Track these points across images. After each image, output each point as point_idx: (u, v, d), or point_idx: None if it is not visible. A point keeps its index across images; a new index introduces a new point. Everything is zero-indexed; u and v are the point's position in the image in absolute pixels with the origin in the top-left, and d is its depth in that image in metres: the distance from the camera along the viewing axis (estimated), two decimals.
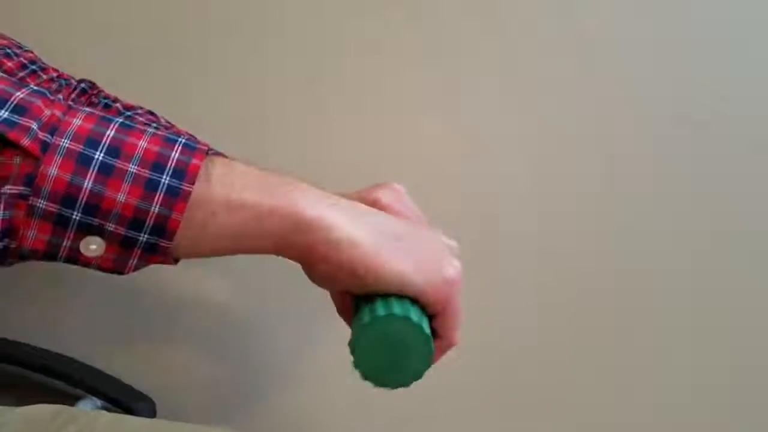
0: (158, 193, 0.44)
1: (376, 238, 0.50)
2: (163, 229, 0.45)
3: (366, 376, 0.51)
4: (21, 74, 0.76)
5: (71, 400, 0.78)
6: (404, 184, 0.93)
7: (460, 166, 0.96)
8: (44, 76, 0.78)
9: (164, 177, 0.44)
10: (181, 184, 0.45)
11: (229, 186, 0.47)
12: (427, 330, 0.51)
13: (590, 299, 0.96)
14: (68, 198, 0.43)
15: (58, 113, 0.44)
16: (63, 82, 0.79)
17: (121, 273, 0.47)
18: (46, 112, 0.44)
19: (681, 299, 0.96)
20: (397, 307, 0.49)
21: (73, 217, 0.44)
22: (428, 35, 0.95)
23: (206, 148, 0.47)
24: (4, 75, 0.45)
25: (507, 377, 0.97)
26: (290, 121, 0.94)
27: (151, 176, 0.44)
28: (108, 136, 0.44)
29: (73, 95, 0.78)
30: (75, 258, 0.45)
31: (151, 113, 0.82)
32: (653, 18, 0.94)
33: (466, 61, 0.95)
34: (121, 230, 0.44)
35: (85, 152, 0.43)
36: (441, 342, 0.54)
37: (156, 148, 0.45)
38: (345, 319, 0.58)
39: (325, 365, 0.97)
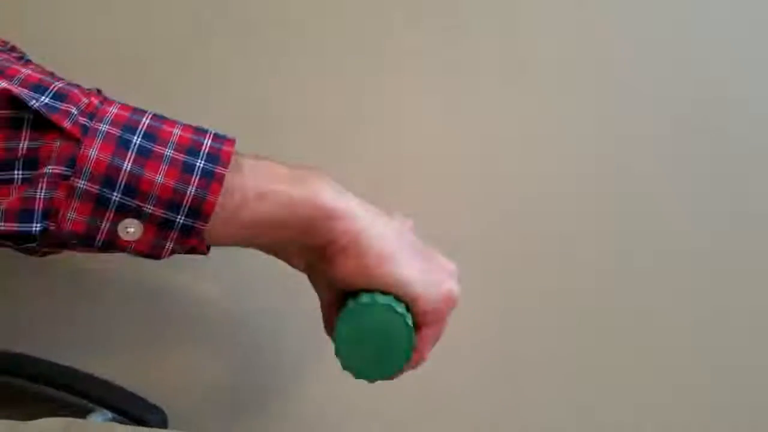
0: (194, 176, 0.46)
1: (395, 239, 0.53)
2: (199, 210, 0.46)
3: (346, 364, 0.54)
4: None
5: (81, 413, 0.78)
6: (404, 184, 0.93)
7: (460, 166, 0.95)
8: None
9: (199, 161, 0.46)
10: (215, 168, 0.46)
11: (260, 175, 0.49)
12: (411, 323, 0.53)
13: (590, 299, 0.96)
14: (108, 179, 0.44)
15: (95, 101, 0.46)
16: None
17: (157, 257, 0.48)
18: (84, 99, 0.45)
19: (681, 298, 0.96)
20: (384, 299, 0.52)
21: (113, 197, 0.44)
22: (428, 35, 0.94)
23: (234, 139, 0.50)
24: (38, 66, 0.48)
25: (508, 380, 0.97)
26: (290, 122, 0.94)
27: (186, 159, 0.46)
28: (144, 123, 0.46)
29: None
30: (113, 242, 0.46)
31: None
32: (654, 18, 0.94)
33: (466, 61, 0.94)
34: (159, 212, 0.45)
35: (124, 136, 0.45)
36: (414, 354, 0.56)
37: (189, 135, 0.47)
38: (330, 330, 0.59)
39: (336, 372, 0.97)
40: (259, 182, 0.49)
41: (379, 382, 0.57)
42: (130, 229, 0.46)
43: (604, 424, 0.97)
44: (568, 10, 0.93)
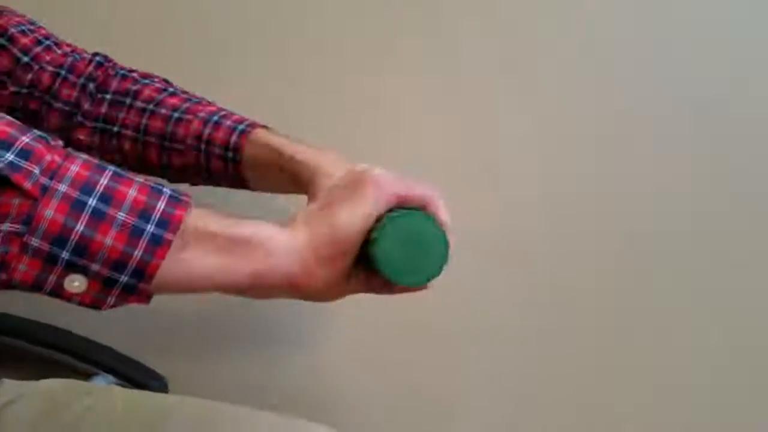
0: (142, 240, 0.47)
1: (333, 214, 0.55)
2: (143, 272, 0.48)
3: (392, 271, 0.55)
4: (36, 49, 0.78)
5: (84, 377, 0.81)
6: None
7: (460, 165, 0.97)
8: (59, 51, 0.79)
9: (149, 225, 0.48)
10: (164, 234, 0.48)
11: (199, 220, 0.50)
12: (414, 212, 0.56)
13: (588, 297, 0.97)
14: (60, 239, 0.46)
15: (58, 159, 0.47)
16: (77, 56, 0.80)
17: (98, 309, 0.50)
18: (47, 157, 0.47)
19: (683, 298, 0.97)
20: (385, 218, 0.55)
21: (62, 256, 0.46)
22: (428, 35, 0.96)
23: (189, 199, 0.51)
24: (9, 118, 0.48)
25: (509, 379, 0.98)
26: (290, 121, 0.92)
27: (136, 223, 0.47)
28: (101, 184, 0.47)
29: (89, 68, 0.79)
30: (58, 292, 0.48)
31: (167, 81, 0.83)
32: (654, 16, 0.95)
33: (466, 61, 0.96)
34: (105, 271, 0.47)
35: (80, 198, 0.46)
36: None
37: (143, 198, 0.48)
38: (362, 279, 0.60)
39: (331, 340, 0.98)
40: (197, 226, 0.50)
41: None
42: (76, 283, 0.47)
43: (604, 423, 0.97)
44: (569, 9, 0.95)
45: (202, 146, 0.75)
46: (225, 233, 0.51)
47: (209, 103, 0.80)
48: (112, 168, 0.49)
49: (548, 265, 0.97)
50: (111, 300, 0.49)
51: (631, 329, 0.96)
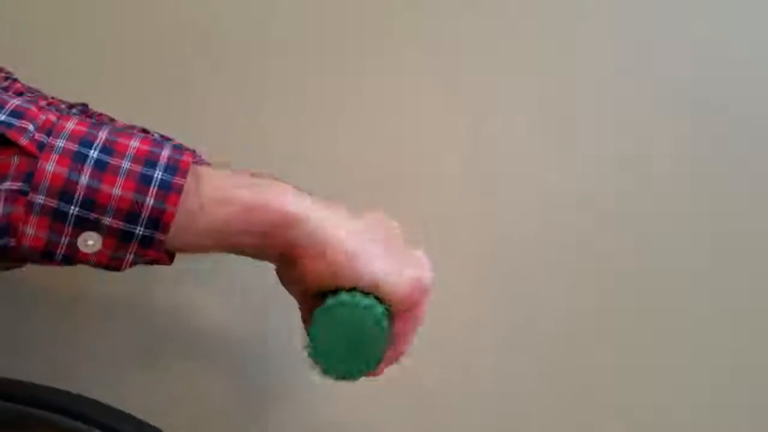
0: (152, 187, 0.46)
1: (358, 237, 0.53)
2: (158, 221, 0.46)
3: (318, 361, 0.53)
4: None
5: None
6: (404, 183, 0.93)
7: (460, 166, 0.95)
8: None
9: (157, 172, 0.46)
10: (173, 178, 0.47)
11: (217, 182, 0.50)
12: (381, 316, 0.53)
13: (587, 301, 0.96)
14: (65, 193, 0.45)
15: (52, 118, 0.47)
16: (53, 109, 0.77)
17: (117, 269, 0.48)
18: (41, 116, 0.46)
19: (681, 298, 0.96)
20: (359, 297, 0.53)
21: (71, 211, 0.45)
22: (429, 33, 0.95)
23: (193, 151, 0.51)
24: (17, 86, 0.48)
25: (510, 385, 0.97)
26: (289, 122, 0.94)
27: (143, 171, 0.46)
28: (101, 138, 0.46)
29: None
30: (73, 255, 0.46)
31: (145, 131, 0.81)
32: (654, 16, 0.94)
33: (466, 60, 0.95)
34: (118, 224, 0.46)
35: (81, 150, 0.45)
36: (393, 347, 0.57)
37: (147, 147, 0.47)
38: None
39: (341, 391, 0.96)
40: (215, 189, 0.49)
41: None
42: (90, 242, 0.46)
43: (604, 424, 0.97)
44: (572, 7, 0.94)
45: None
46: (240, 176, 0.51)
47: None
48: (109, 125, 0.48)
49: (548, 266, 0.96)
50: (129, 257, 0.48)
51: (631, 330, 0.96)
